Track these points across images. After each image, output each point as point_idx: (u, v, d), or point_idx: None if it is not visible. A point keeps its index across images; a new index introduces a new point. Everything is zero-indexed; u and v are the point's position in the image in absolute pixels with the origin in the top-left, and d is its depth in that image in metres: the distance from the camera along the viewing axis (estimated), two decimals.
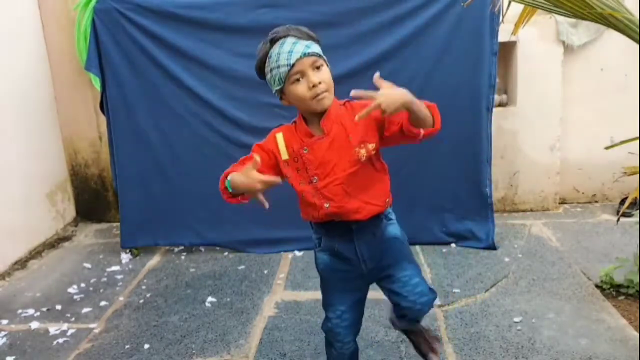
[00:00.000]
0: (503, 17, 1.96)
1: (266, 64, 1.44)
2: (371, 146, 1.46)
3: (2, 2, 3.19)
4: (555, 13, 1.49)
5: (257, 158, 1.37)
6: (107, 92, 3.03)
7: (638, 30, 1.37)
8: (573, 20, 3.17)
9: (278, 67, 1.40)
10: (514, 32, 1.90)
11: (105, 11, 2.91)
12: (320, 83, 1.40)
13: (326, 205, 1.48)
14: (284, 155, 1.50)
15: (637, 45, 1.39)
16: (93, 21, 2.92)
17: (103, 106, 3.10)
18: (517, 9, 1.77)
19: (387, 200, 1.56)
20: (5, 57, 3.17)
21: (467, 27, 2.81)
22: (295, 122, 1.53)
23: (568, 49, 3.31)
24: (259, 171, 1.36)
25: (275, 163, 1.52)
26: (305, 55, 1.38)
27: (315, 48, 1.42)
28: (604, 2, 1.37)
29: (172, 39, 2.93)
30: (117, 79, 3.00)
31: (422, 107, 1.37)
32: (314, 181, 1.48)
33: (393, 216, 1.60)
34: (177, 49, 2.94)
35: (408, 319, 1.68)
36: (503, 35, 2.88)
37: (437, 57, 2.86)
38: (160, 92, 3.00)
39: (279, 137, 1.51)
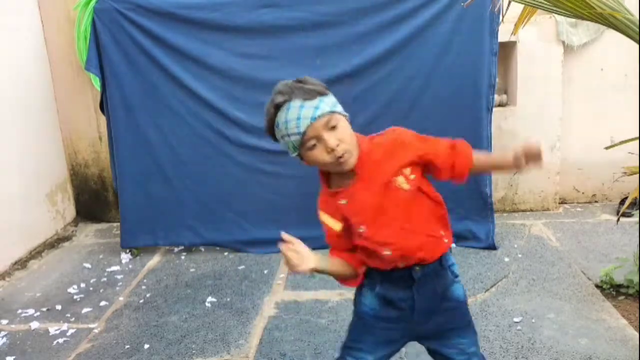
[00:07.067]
0: (503, 17, 1.96)
1: (275, 132, 1.30)
2: (407, 170, 1.31)
3: (2, 2, 3.19)
4: (555, 13, 1.49)
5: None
6: (107, 92, 3.03)
7: (638, 30, 1.37)
8: (573, 20, 3.16)
9: (289, 135, 1.25)
10: (514, 32, 1.90)
11: (105, 11, 2.91)
12: (339, 145, 1.24)
13: (386, 252, 1.32)
14: (336, 227, 1.37)
15: (637, 45, 1.39)
16: (93, 21, 2.92)
17: (103, 106, 3.11)
18: (517, 9, 1.77)
19: (447, 238, 1.39)
20: (5, 57, 3.17)
21: (467, 27, 2.81)
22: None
23: (568, 49, 3.31)
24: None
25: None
26: (314, 119, 1.23)
27: (326, 105, 1.25)
28: (604, 2, 1.37)
29: (172, 39, 2.93)
30: (117, 79, 3.00)
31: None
32: (361, 230, 1.32)
33: (457, 270, 1.43)
34: (177, 49, 2.94)
35: None
36: (503, 35, 2.88)
37: (437, 57, 2.86)
38: (160, 92, 3.00)
39: (323, 217, 1.39)
